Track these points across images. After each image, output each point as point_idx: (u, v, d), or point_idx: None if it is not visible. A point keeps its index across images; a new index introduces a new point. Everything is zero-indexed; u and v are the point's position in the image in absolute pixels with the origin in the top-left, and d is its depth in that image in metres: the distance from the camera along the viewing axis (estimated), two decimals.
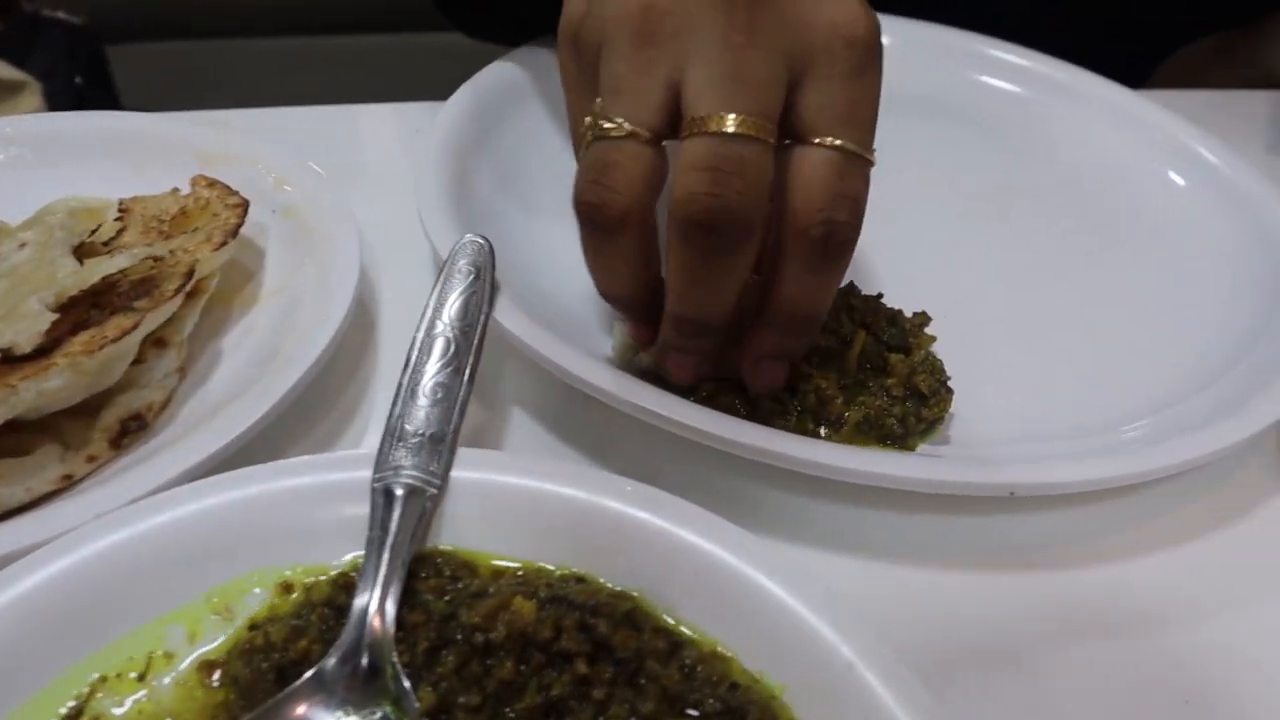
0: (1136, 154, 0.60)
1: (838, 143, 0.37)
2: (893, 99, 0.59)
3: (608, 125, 0.37)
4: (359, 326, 0.48)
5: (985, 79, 0.63)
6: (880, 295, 0.47)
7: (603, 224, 0.38)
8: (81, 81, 1.02)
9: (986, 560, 0.41)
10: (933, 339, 0.47)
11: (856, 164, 0.37)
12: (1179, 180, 0.59)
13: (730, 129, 0.35)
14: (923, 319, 0.48)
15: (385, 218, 0.52)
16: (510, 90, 0.56)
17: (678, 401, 0.39)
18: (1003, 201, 0.58)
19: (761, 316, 0.40)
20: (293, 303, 0.46)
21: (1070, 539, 0.42)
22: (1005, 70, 0.64)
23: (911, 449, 0.42)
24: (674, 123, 0.37)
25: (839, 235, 0.37)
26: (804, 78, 0.37)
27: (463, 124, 0.53)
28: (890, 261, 0.51)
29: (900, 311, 0.47)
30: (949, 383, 0.44)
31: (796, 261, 0.38)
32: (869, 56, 0.38)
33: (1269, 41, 0.75)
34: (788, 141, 0.38)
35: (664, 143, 0.37)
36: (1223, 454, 0.41)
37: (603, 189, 0.37)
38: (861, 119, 0.37)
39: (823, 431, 0.42)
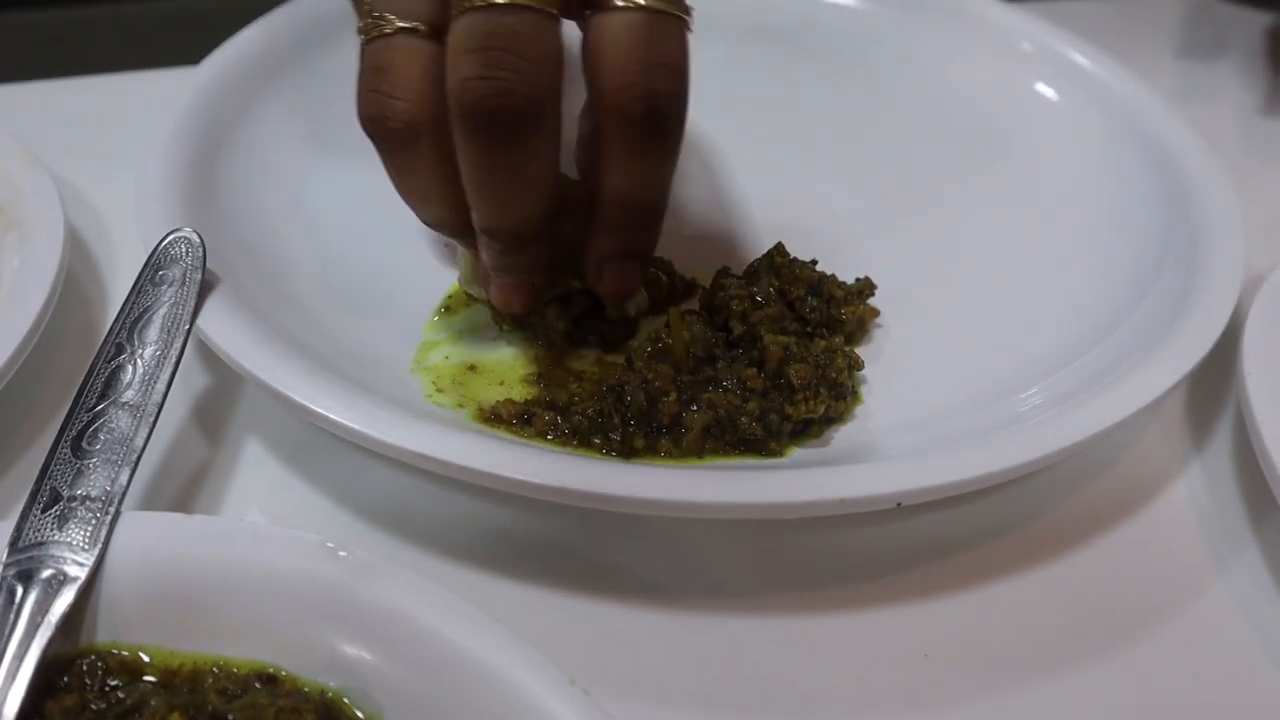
0: (1000, 68, 0.51)
1: (641, 1, 0.30)
2: (726, 29, 0.51)
3: (379, 23, 0.31)
4: (57, 346, 0.38)
5: None
6: (814, 261, 0.39)
7: (391, 137, 0.32)
8: None
9: (840, 586, 0.33)
10: (875, 313, 0.39)
11: (668, 24, 0.31)
12: (1049, 93, 0.50)
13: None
14: (864, 287, 0.40)
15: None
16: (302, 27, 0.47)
17: (429, 431, 0.31)
18: (857, 139, 0.49)
19: (595, 217, 0.34)
20: None
21: (948, 547, 0.34)
22: None
23: (780, 455, 0.34)
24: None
25: (662, 108, 0.31)
26: None
27: (226, 80, 0.44)
28: (728, 214, 0.43)
29: (832, 277, 0.39)
30: (857, 387, 0.36)
31: (618, 146, 0.32)
32: None
33: None
34: (587, 11, 0.31)
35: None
36: (1124, 425, 0.33)
37: (381, 97, 0.32)
38: None
39: (663, 444, 0.34)
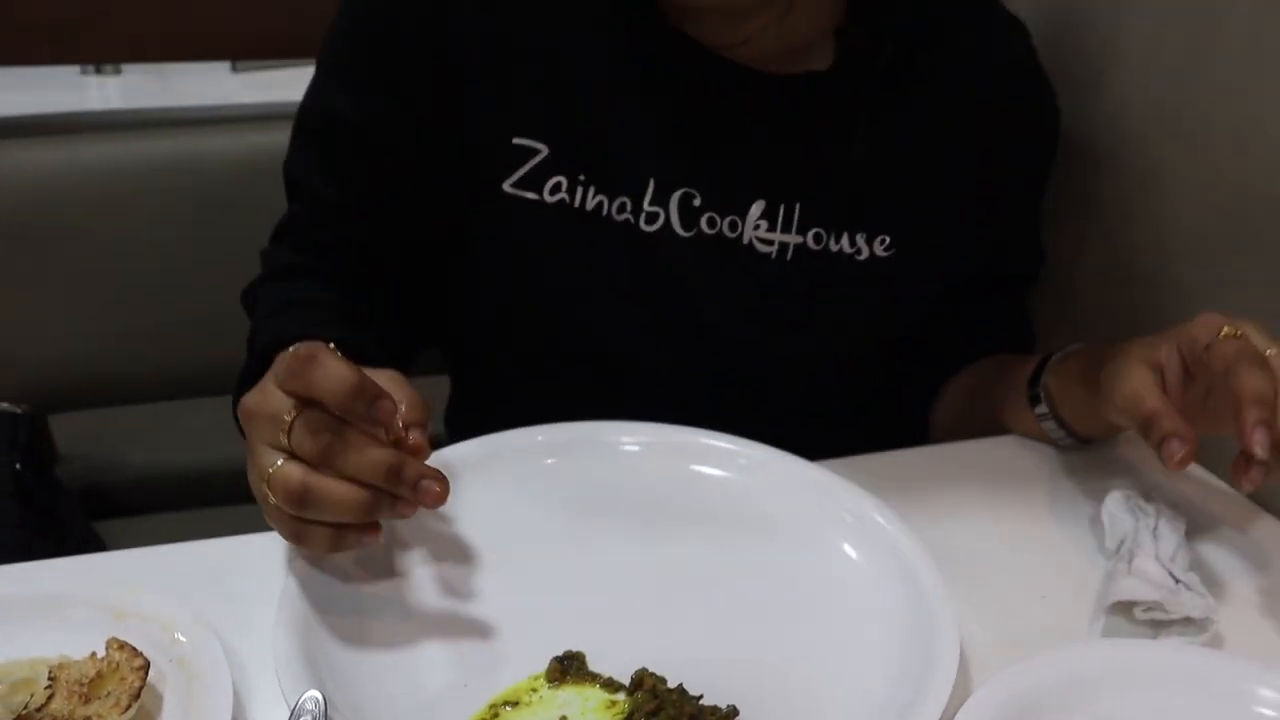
0: (819, 528, 0.71)
1: None
2: (622, 499, 0.72)
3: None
4: None
5: (699, 469, 0.76)
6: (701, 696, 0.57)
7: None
8: (21, 468, 1.16)
9: None
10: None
11: None
12: (852, 553, 0.70)
13: None
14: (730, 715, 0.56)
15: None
16: None
17: None
18: (705, 588, 0.67)
19: None
20: None
21: None
22: (718, 456, 0.76)
23: None
24: None
25: None
26: None
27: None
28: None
29: (700, 705, 0.56)
30: None
31: None
32: None
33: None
34: None
35: None
36: None
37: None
38: None
39: None
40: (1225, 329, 0.64)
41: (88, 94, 1.67)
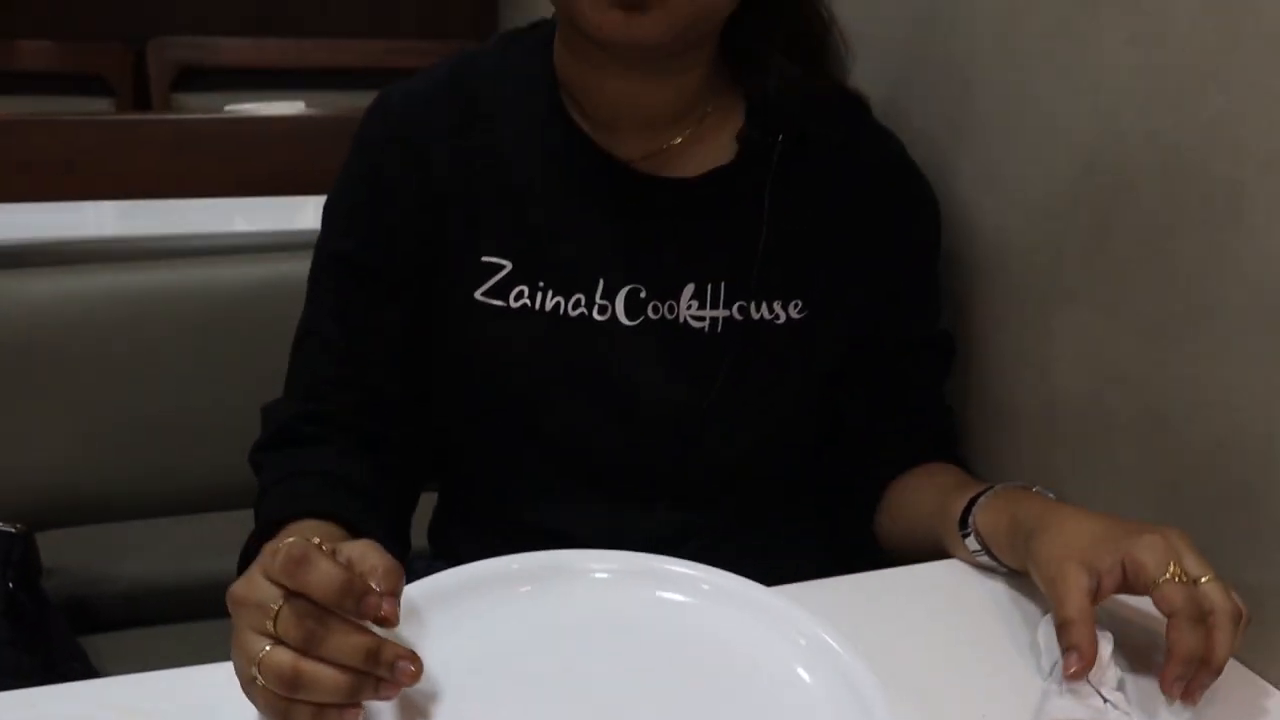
0: (774, 650, 0.76)
1: None
2: (593, 625, 0.77)
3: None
4: None
5: (664, 594, 0.81)
6: None
7: None
8: (14, 585, 1.20)
9: None
10: None
11: None
12: (805, 676, 0.74)
13: None
14: None
15: None
16: None
17: None
18: (669, 710, 0.72)
19: None
20: None
21: None
22: (681, 582, 0.81)
23: None
24: None
25: None
26: None
27: None
28: None
29: None
30: None
31: None
32: None
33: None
34: None
35: None
36: None
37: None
38: None
39: None
40: (1171, 567, 0.73)
41: (84, 216, 1.75)
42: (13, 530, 1.25)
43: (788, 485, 1.08)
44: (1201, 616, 0.71)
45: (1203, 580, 0.73)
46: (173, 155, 1.44)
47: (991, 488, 0.90)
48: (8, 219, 1.60)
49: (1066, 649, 0.73)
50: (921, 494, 1.01)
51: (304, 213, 1.73)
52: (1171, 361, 0.89)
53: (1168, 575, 0.72)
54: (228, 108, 2.46)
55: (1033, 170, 1.02)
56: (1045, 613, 0.82)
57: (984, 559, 0.90)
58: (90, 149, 1.44)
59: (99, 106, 3.05)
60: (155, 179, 1.40)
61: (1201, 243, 0.85)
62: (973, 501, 0.90)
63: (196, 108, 3.04)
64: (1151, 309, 0.91)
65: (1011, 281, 1.07)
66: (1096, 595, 0.75)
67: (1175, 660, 0.71)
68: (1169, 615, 0.72)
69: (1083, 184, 0.97)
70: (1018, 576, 0.90)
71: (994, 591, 0.89)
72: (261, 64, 3.16)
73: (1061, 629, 0.75)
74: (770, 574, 0.82)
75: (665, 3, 0.80)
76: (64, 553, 1.39)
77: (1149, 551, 0.74)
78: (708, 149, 0.96)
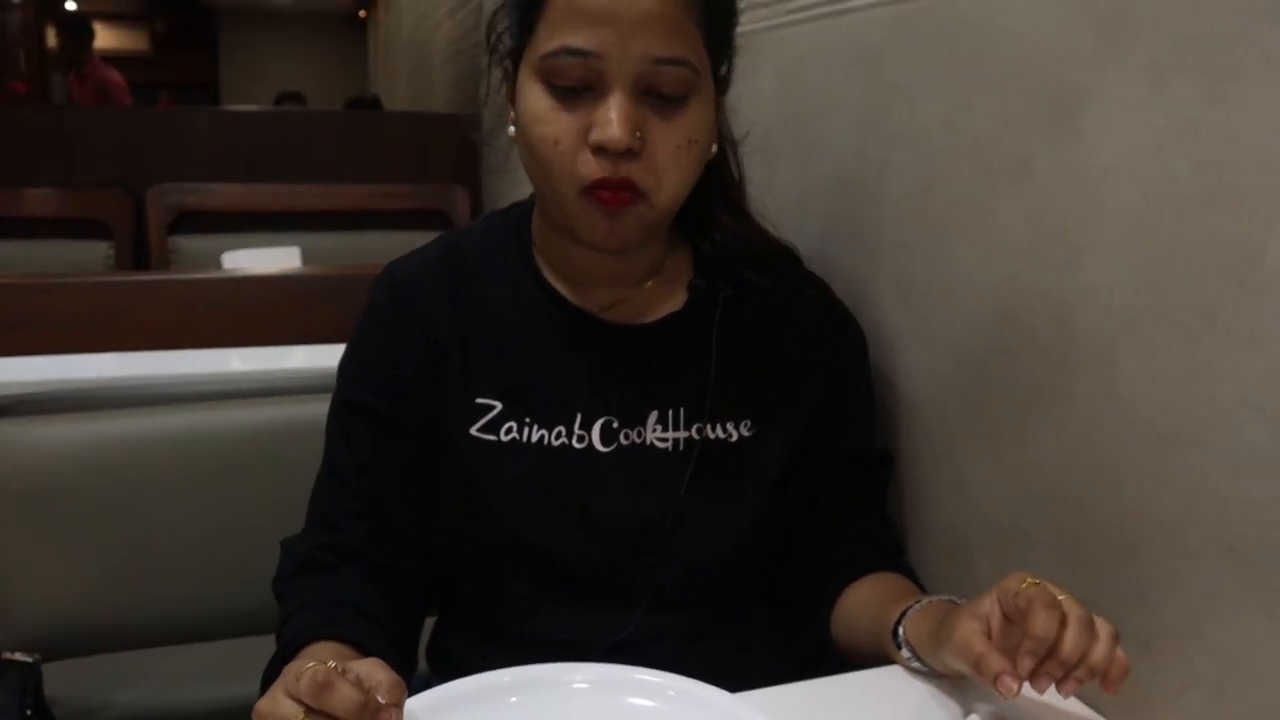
0: None
1: None
2: None
3: None
4: None
5: (634, 700, 0.91)
6: None
7: None
8: (31, 714, 1.28)
9: None
10: None
11: None
12: None
13: None
14: None
15: None
16: None
17: None
18: None
19: None
20: None
21: None
22: (649, 689, 0.91)
23: None
24: None
25: None
26: None
27: None
28: None
29: None
30: None
31: None
32: None
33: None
34: None
35: None
36: None
37: None
38: None
39: None
40: (1028, 580, 0.85)
41: (87, 361, 1.89)
42: (29, 661, 1.34)
43: (751, 590, 1.19)
44: (1055, 604, 0.80)
45: (1061, 596, 0.82)
46: (176, 310, 1.56)
47: (919, 600, 1.02)
48: (28, 367, 1.73)
49: (994, 678, 0.81)
50: (865, 605, 1.13)
51: (294, 357, 1.88)
52: (1072, 483, 1.02)
53: (1026, 584, 0.83)
54: (225, 255, 2.61)
55: (956, 320, 1.18)
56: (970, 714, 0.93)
57: (917, 665, 1.01)
58: (102, 304, 1.56)
59: (100, 250, 3.21)
60: (159, 334, 1.53)
61: (1089, 382, 0.99)
62: (903, 614, 1.02)
63: (193, 250, 3.21)
64: (1053, 440, 1.04)
65: (947, 416, 1.21)
66: (990, 632, 0.84)
67: (1030, 636, 0.79)
68: (1026, 609, 0.81)
69: (997, 333, 1.12)
70: (954, 678, 1.01)
71: (934, 693, 1.00)
72: (254, 208, 3.34)
73: (979, 666, 0.82)
74: (739, 671, 0.94)
75: (637, 210, 0.99)
76: (66, 682, 1.47)
77: (1013, 579, 0.85)
78: (662, 298, 1.14)
